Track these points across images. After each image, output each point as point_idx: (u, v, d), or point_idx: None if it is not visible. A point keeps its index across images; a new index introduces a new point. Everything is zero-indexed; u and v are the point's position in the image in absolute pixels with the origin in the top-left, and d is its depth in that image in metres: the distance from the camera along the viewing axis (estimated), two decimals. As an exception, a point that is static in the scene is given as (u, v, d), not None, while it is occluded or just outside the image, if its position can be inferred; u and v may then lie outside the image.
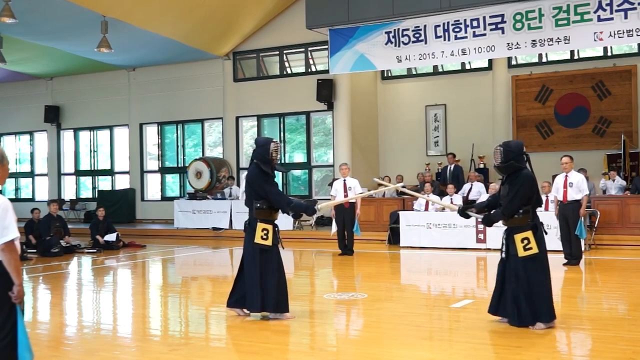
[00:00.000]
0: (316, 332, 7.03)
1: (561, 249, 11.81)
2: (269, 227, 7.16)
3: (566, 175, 11.39)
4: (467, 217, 7.33)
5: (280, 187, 20.64)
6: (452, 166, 17.69)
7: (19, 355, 3.99)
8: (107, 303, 9.35)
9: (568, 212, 11.31)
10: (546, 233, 6.71)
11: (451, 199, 14.77)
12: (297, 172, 21.79)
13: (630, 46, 17.90)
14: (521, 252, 6.51)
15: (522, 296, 6.46)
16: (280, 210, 7.30)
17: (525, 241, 6.51)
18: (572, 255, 11.36)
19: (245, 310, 7.30)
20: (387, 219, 15.96)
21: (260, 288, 7.05)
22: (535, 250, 6.50)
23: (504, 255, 6.72)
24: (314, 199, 8.14)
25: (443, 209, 14.24)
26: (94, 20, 16.86)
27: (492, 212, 6.91)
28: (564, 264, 11.35)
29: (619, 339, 6.45)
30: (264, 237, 7.10)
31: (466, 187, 16.51)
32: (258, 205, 7.17)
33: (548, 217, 13.44)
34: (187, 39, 19.76)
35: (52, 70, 24.06)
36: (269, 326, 6.89)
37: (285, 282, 7.28)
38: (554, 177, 16.88)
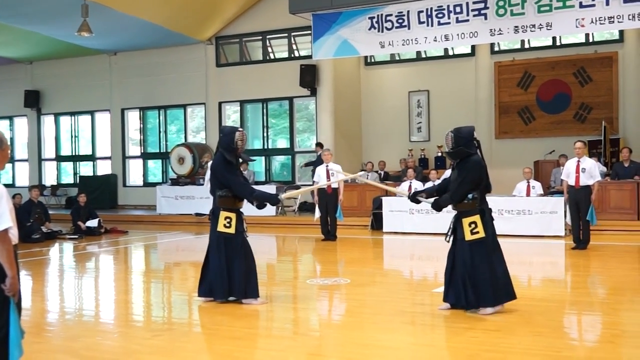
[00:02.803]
0: (299, 317, 7.05)
1: (560, 234, 12.26)
2: (232, 215, 7.13)
3: (578, 161, 11.41)
4: (418, 202, 7.30)
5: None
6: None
7: (9, 352, 3.89)
8: (89, 289, 9.31)
9: (580, 197, 11.35)
10: (493, 219, 6.72)
11: (434, 183, 14.82)
12: (280, 158, 21.78)
13: (612, 33, 18.00)
14: (468, 236, 6.56)
15: (468, 280, 6.53)
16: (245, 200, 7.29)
17: (473, 225, 6.55)
18: (581, 240, 11.44)
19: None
20: (370, 204, 16.00)
21: (227, 276, 7.06)
22: (482, 234, 6.53)
23: (449, 239, 6.79)
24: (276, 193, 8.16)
25: (401, 195, 14.23)
26: (74, 3, 16.67)
27: (441, 197, 6.92)
28: (573, 248, 11.45)
29: (599, 322, 6.54)
30: (227, 225, 7.09)
31: (448, 172, 16.55)
32: (221, 193, 7.15)
33: (531, 203, 13.58)
34: (169, 23, 19.60)
35: (32, 54, 23.78)
36: (251, 311, 6.90)
37: (254, 268, 7.24)
38: (535, 163, 17.09)
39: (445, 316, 6.62)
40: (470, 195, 6.61)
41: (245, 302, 7.12)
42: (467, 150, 6.67)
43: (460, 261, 6.64)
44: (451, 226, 6.82)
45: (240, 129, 7.32)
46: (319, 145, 18.67)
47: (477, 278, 6.51)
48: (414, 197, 7.21)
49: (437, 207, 6.96)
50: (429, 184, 14.98)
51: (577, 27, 14.11)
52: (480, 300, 6.51)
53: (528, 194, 14.11)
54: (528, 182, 14.30)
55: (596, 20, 13.78)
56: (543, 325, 6.12)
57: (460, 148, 6.66)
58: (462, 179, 6.61)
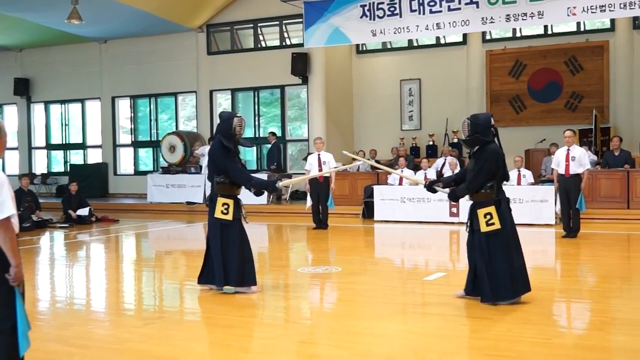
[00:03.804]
0: (290, 306, 7.07)
1: (550, 222, 12.47)
2: (230, 201, 7.05)
3: (568, 149, 11.45)
4: (434, 192, 7.16)
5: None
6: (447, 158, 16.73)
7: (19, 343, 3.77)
8: (80, 278, 9.30)
9: (570, 185, 11.40)
10: (510, 209, 6.57)
11: (425, 173, 14.86)
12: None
13: (603, 22, 18.03)
14: (484, 228, 6.41)
15: (484, 273, 6.41)
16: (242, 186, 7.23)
17: (488, 216, 6.40)
18: (571, 228, 11.51)
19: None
20: (362, 193, 16.01)
21: (222, 262, 7.00)
22: (497, 226, 6.38)
23: (467, 230, 6.66)
24: (274, 179, 8.11)
25: (417, 183, 14.32)
26: (64, -10, 16.55)
27: (457, 187, 6.81)
28: (563, 237, 11.52)
29: (588, 309, 6.58)
30: (224, 211, 7.01)
31: (440, 161, 16.62)
32: (219, 180, 7.07)
33: (521, 192, 13.64)
34: (160, 11, 19.47)
35: (22, 42, 23.59)
36: (243, 300, 6.90)
37: (251, 255, 7.18)
38: (526, 151, 17.13)
39: (436, 304, 6.65)
40: (488, 185, 6.47)
41: (239, 290, 7.07)
42: (484, 138, 6.50)
43: (477, 253, 6.50)
44: (468, 217, 6.67)
45: (239, 115, 7.23)
46: (272, 134, 18.92)
47: (495, 270, 6.38)
48: (431, 187, 7.05)
49: (454, 197, 6.85)
50: (420, 173, 15.02)
51: (568, 15, 14.13)
52: (498, 293, 6.38)
53: (519, 183, 14.15)
54: (519, 170, 14.34)
55: (587, 9, 13.80)
56: (533, 313, 6.15)
57: (477, 136, 6.49)
58: (479, 168, 6.45)
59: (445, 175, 14.51)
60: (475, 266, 6.60)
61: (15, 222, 3.83)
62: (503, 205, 6.49)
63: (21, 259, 3.91)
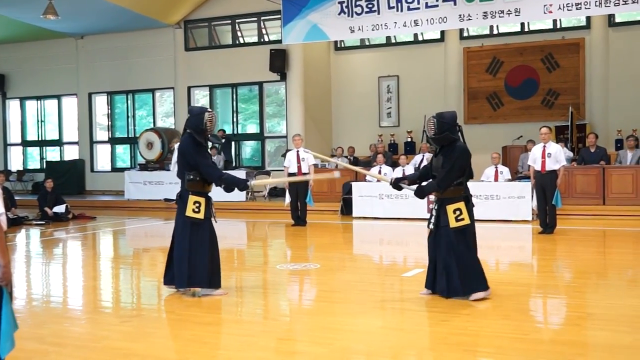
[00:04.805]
0: (269, 303, 7.05)
1: (527, 218, 12.69)
2: (201, 199, 6.87)
3: (544, 146, 11.55)
4: (400, 189, 7.10)
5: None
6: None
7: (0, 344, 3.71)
8: (57, 275, 9.21)
9: (546, 182, 11.50)
10: (473, 205, 6.65)
11: (403, 169, 14.91)
12: (250, 143, 21.70)
13: (579, 19, 18.21)
14: (453, 223, 6.45)
15: (454, 267, 6.45)
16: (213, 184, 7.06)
17: (458, 212, 6.45)
18: (548, 224, 11.61)
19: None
20: (340, 189, 16.03)
21: (188, 263, 6.79)
22: (467, 221, 6.45)
23: (432, 226, 6.66)
24: (245, 178, 7.98)
25: (377, 180, 14.36)
26: (39, -15, 16.37)
27: (425, 184, 6.81)
28: (540, 233, 11.64)
29: (565, 305, 6.65)
30: (196, 210, 6.83)
31: (418, 158, 16.69)
32: (190, 177, 6.88)
33: (498, 188, 13.73)
34: (137, 7, 19.33)
35: (-4, 37, 23.34)
36: (221, 297, 6.87)
37: (219, 256, 7.02)
38: (503, 148, 17.26)
39: (414, 300, 6.66)
40: (454, 182, 6.50)
41: (204, 293, 6.88)
42: (452, 135, 6.54)
43: (444, 248, 6.52)
44: (433, 213, 6.67)
45: (210, 110, 7.07)
46: (222, 130, 19.08)
47: (464, 265, 6.44)
48: (397, 184, 7.00)
49: (421, 194, 6.82)
50: (398, 170, 15.07)
51: (545, 13, 14.27)
52: (473, 287, 6.44)
53: (496, 179, 14.26)
54: (496, 167, 14.45)
55: (564, 7, 13.93)
56: (511, 309, 6.19)
57: (446, 134, 6.51)
58: (450, 166, 6.47)
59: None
60: (435, 263, 6.64)
61: (3, 219, 3.75)
62: (470, 201, 6.59)
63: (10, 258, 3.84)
